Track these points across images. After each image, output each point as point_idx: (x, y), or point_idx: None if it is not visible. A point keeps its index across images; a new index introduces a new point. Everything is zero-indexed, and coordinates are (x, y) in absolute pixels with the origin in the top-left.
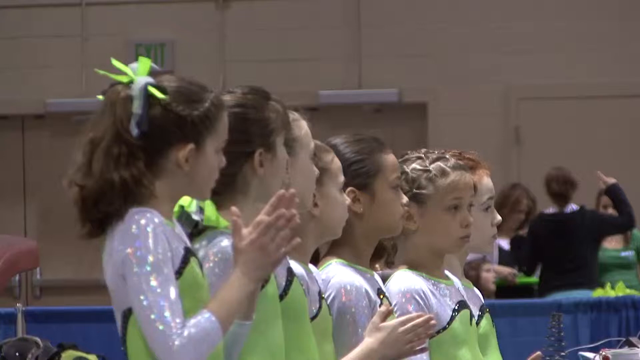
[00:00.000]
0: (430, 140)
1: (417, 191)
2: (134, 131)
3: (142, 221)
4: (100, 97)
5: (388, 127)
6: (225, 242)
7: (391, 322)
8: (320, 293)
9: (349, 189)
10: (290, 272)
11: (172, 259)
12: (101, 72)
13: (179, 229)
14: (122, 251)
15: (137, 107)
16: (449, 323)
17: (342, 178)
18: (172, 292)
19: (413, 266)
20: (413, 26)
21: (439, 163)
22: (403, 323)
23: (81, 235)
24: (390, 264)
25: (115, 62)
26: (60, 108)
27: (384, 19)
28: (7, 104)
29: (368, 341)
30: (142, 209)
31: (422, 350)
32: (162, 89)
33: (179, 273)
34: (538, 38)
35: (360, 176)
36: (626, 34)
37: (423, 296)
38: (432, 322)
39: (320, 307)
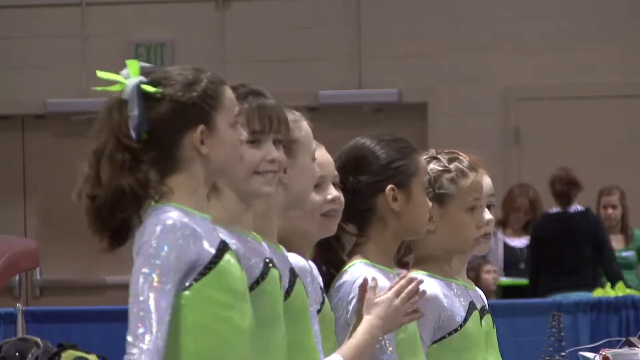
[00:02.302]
0: (430, 140)
1: (440, 191)
2: (133, 134)
3: (154, 221)
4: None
5: (388, 127)
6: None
7: (386, 295)
8: (322, 289)
9: (389, 186)
10: (292, 273)
11: (189, 258)
12: (98, 89)
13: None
14: (135, 250)
15: (132, 110)
16: (461, 325)
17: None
18: (161, 306)
19: (425, 265)
20: (413, 26)
21: (456, 163)
22: (397, 293)
23: (101, 249)
24: (405, 264)
25: (102, 74)
26: (60, 108)
27: (384, 19)
28: (7, 104)
29: (368, 318)
30: (161, 207)
31: (419, 317)
32: (154, 83)
33: (208, 268)
34: (538, 38)
35: (401, 174)
36: (627, 34)
37: (437, 302)
38: (423, 287)
39: (322, 302)
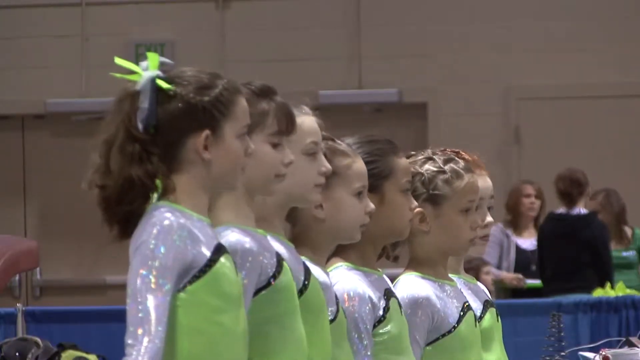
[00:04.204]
0: (430, 140)
1: (434, 192)
2: (140, 126)
3: (152, 221)
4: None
5: (388, 127)
6: (233, 236)
7: None
8: (337, 297)
9: None
10: (306, 267)
11: (186, 260)
12: (118, 75)
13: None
14: (132, 249)
15: (143, 102)
16: (455, 327)
17: (358, 183)
18: (159, 307)
19: (419, 266)
20: (413, 26)
21: (451, 165)
22: None
23: (111, 238)
24: (395, 258)
25: (120, 61)
26: (60, 108)
27: (384, 19)
28: (7, 104)
29: None
30: (159, 207)
31: None
32: (169, 80)
33: (203, 272)
34: (538, 38)
35: (370, 177)
36: (626, 34)
37: (430, 303)
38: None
39: (337, 310)
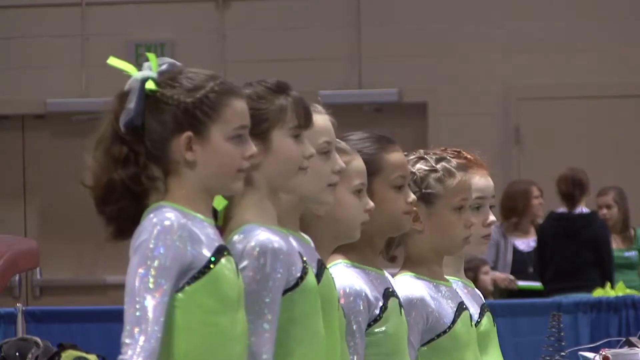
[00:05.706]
0: (430, 140)
1: (426, 191)
2: (122, 126)
3: (153, 220)
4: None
5: (388, 127)
6: (263, 235)
7: None
8: (337, 296)
9: None
10: (320, 264)
11: (185, 260)
12: (122, 69)
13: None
14: (132, 247)
15: (130, 102)
16: (450, 327)
17: (358, 181)
18: (157, 307)
19: (413, 266)
20: (413, 26)
21: (443, 163)
22: None
23: (107, 236)
24: (392, 259)
25: (113, 61)
26: (60, 108)
27: (384, 19)
28: (7, 104)
29: None
30: (160, 207)
31: None
32: (162, 83)
33: (202, 273)
34: (538, 38)
35: None
36: (626, 33)
37: (424, 304)
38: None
39: (337, 308)
